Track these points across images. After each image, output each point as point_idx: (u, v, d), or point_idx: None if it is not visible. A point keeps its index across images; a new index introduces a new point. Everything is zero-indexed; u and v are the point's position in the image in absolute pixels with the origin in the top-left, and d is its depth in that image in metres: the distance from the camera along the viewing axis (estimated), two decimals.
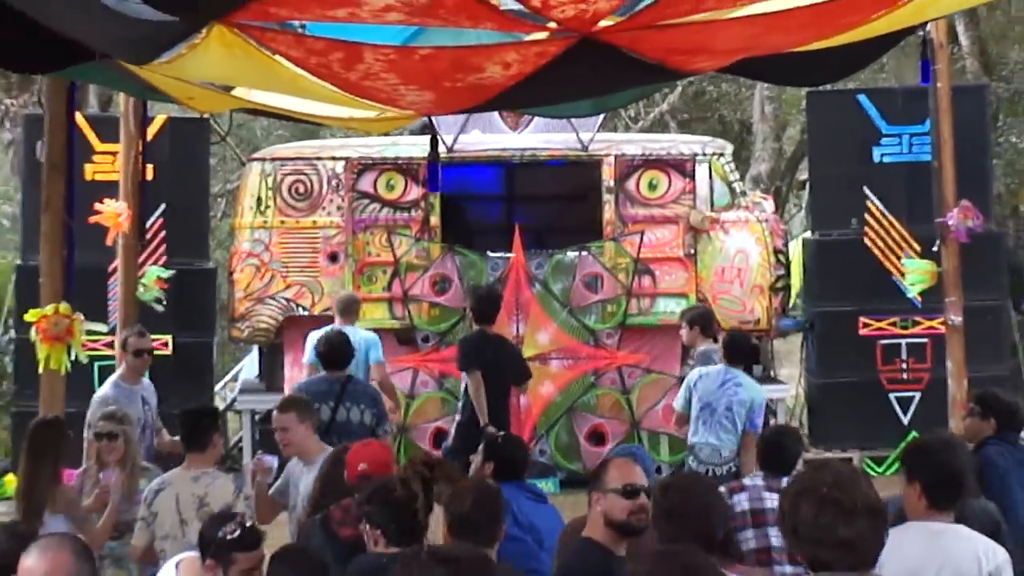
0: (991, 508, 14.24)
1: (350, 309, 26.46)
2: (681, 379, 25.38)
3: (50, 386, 20.01)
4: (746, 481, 17.05)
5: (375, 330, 26.70)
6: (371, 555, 11.79)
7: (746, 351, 24.99)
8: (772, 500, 15.46)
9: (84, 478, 17.14)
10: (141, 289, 25.90)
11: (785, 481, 15.19)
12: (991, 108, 27.83)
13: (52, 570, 9.30)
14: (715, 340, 25.60)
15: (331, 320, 26.50)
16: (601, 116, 27.48)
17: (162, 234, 26.55)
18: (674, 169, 29.16)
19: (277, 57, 13.78)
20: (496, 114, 22.49)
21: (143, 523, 16.07)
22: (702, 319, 26.09)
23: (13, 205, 30.69)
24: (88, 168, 25.53)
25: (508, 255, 27.94)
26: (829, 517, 8.39)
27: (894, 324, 26.38)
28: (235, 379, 30.32)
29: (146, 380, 23.18)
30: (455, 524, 12.38)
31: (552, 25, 13.07)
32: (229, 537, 12.38)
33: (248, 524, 12.66)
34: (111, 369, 23.83)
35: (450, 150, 26.96)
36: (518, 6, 12.48)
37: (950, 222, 24.51)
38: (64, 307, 19.77)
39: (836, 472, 8.79)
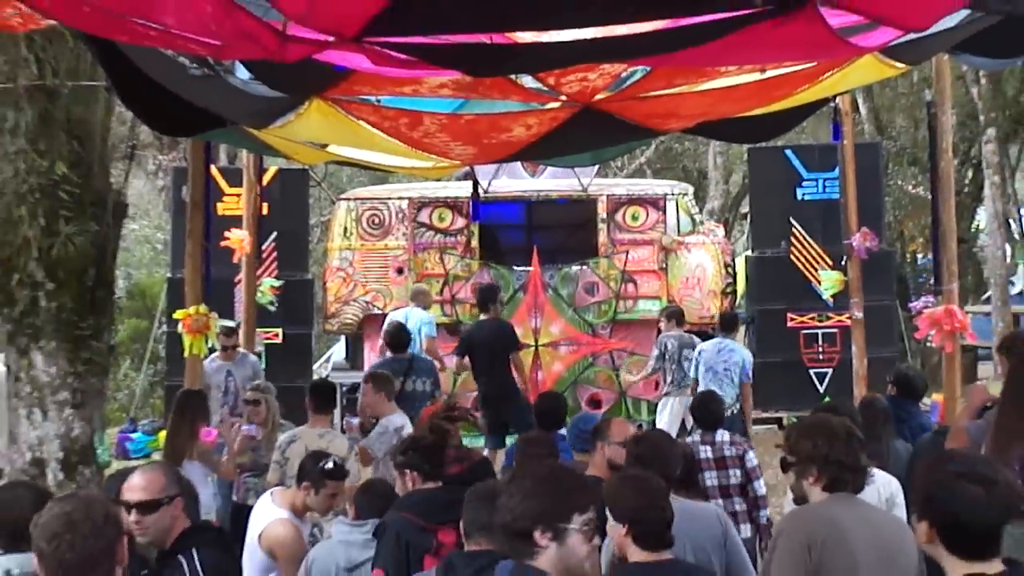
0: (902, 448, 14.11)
1: (418, 296, 26.87)
2: (655, 360, 25.86)
3: (192, 366, 20.20)
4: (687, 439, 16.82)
5: None
6: (421, 490, 11.57)
7: (734, 324, 26.14)
8: (705, 451, 15.72)
9: (225, 428, 17.21)
10: (259, 295, 25.99)
11: (717, 434, 16.03)
12: (883, 160, 28.07)
13: (147, 485, 9.79)
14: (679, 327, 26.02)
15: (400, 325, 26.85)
16: (597, 165, 27.63)
17: (274, 254, 26.76)
18: (651, 205, 29.30)
19: (360, 122, 13.94)
20: (519, 164, 22.69)
21: (276, 465, 16.35)
22: (676, 315, 26.20)
23: (165, 233, 30.52)
24: (219, 206, 25.72)
25: (528, 268, 28.07)
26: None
27: (813, 318, 26.69)
28: (328, 361, 30.41)
29: (251, 357, 23.67)
30: None
31: (562, 98, 13.18)
32: (325, 467, 12.63)
33: (338, 462, 12.78)
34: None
35: (486, 191, 27.07)
36: (537, 84, 12.60)
37: (853, 243, 24.56)
38: (202, 308, 19.86)
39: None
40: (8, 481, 9.31)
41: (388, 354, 23.46)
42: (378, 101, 13.07)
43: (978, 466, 6.80)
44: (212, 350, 22.90)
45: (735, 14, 8.93)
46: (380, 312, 27.94)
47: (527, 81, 12.49)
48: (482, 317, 22.71)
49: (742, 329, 28.57)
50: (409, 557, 10.60)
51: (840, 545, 7.96)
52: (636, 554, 7.52)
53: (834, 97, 17.30)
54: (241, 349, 23.14)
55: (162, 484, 9.86)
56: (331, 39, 9.15)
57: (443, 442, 12.86)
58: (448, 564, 8.98)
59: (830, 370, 25.96)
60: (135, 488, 9.88)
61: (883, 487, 10.33)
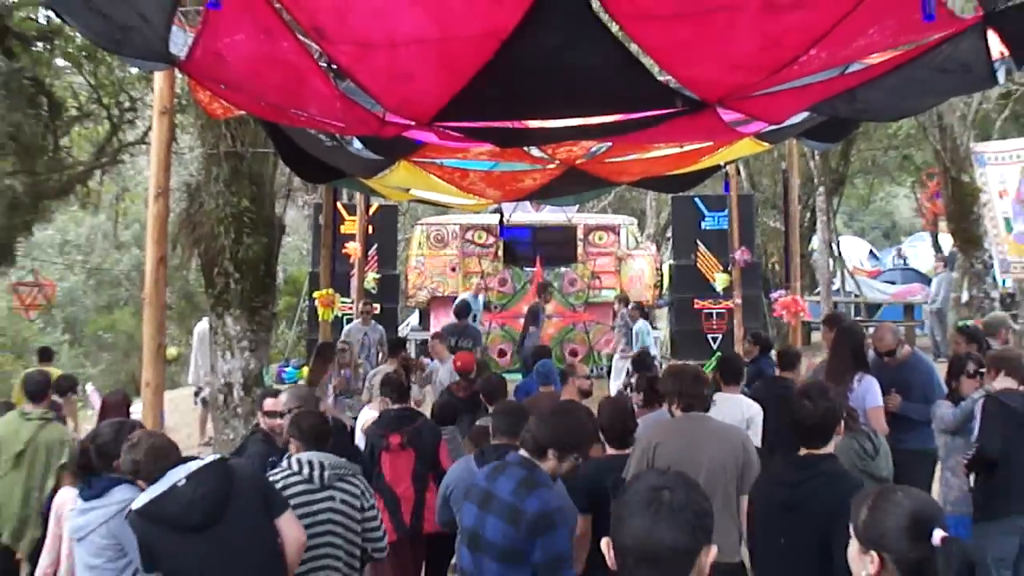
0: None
1: (476, 290, 27.10)
2: (611, 327, 25.86)
3: (323, 327, 20.58)
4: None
5: None
6: (387, 410, 11.69)
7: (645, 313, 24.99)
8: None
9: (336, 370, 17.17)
10: (366, 283, 25.91)
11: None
12: (755, 205, 28.36)
13: (288, 400, 9.70)
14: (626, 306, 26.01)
15: (453, 298, 26.83)
16: (577, 205, 27.66)
17: (375, 257, 26.81)
18: (610, 230, 29.29)
19: (430, 175, 14.09)
20: (528, 202, 22.74)
21: (367, 391, 16.10)
22: (624, 299, 25.68)
23: (307, 243, 30.49)
24: (342, 227, 25.73)
25: (533, 269, 27.98)
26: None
27: (710, 303, 26.68)
28: (407, 325, 30.42)
29: (379, 326, 23.15)
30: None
31: (556, 162, 13.31)
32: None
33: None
34: (350, 319, 24.06)
35: (508, 220, 27.09)
36: (540, 153, 12.75)
37: (736, 257, 24.40)
38: (330, 291, 19.95)
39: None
40: (305, 410, 9.17)
41: (452, 320, 23.19)
42: (441, 162, 13.18)
43: (810, 391, 6.93)
44: (337, 318, 23.21)
45: (664, 111, 8.96)
46: (440, 295, 28.08)
47: (534, 151, 12.65)
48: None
49: (665, 311, 28.72)
50: (372, 452, 10.89)
51: (666, 448, 7.96)
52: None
53: (725, 164, 17.38)
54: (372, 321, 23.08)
55: (282, 402, 9.88)
56: (412, 123, 9.20)
57: (405, 380, 13.02)
58: (481, 452, 9.00)
59: (720, 335, 26.13)
60: (270, 403, 10.09)
61: (745, 408, 10.25)
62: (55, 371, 18.05)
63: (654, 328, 24.80)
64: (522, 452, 6.87)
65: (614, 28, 7.29)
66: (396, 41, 7.29)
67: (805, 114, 10.33)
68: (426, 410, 13.29)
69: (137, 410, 9.66)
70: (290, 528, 7.00)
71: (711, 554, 3.45)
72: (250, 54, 7.76)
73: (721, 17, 7.34)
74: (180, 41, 7.34)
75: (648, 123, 9.54)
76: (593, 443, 7.71)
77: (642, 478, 3.72)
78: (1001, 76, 8.15)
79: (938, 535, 3.86)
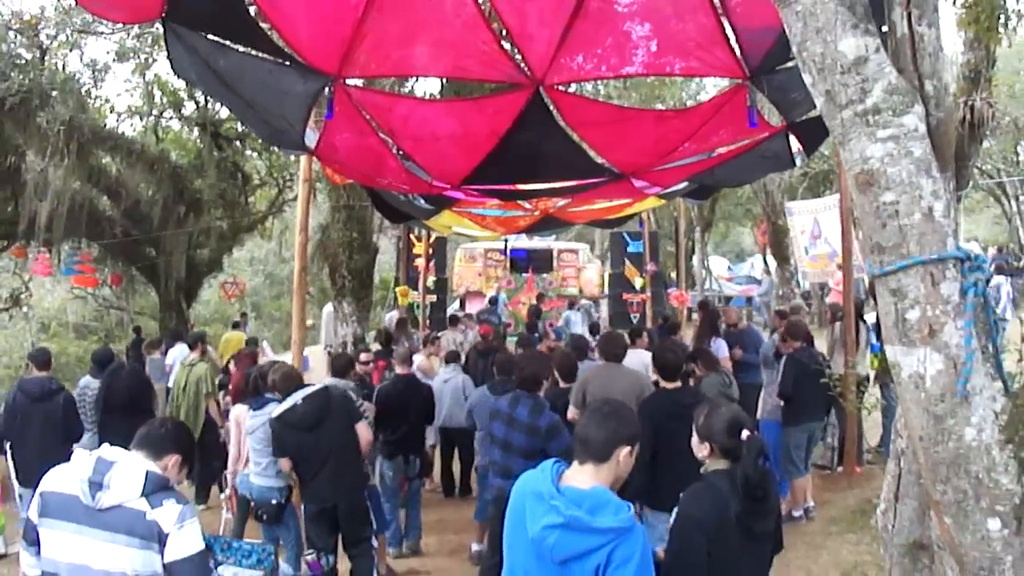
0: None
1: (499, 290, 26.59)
2: (575, 309, 25.68)
3: (401, 309, 20.05)
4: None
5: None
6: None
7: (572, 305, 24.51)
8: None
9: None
10: (429, 283, 25.83)
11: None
12: (658, 237, 28.16)
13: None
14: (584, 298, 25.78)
15: (480, 293, 26.84)
16: (553, 236, 27.55)
17: (433, 267, 26.38)
18: (573, 252, 29.07)
19: (463, 218, 14.04)
20: (524, 234, 22.46)
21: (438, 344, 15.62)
22: (580, 296, 25.84)
23: (392, 258, 30.12)
24: (413, 249, 25.50)
25: (528, 274, 27.77)
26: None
27: (631, 296, 26.26)
28: (453, 307, 30.12)
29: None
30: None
31: (537, 211, 13.29)
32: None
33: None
34: (417, 305, 23.74)
35: (512, 245, 27.06)
36: (528, 205, 12.71)
37: (647, 268, 24.35)
38: (405, 287, 19.89)
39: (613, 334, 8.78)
40: (341, 354, 9.22)
41: (487, 305, 22.97)
42: (469, 210, 13.13)
43: (670, 347, 7.01)
44: (409, 303, 23.07)
45: (599, 179, 8.96)
46: (472, 291, 27.76)
47: (524, 204, 12.62)
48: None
49: (606, 301, 28.28)
50: None
51: (594, 384, 7.84)
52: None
53: (640, 212, 17.30)
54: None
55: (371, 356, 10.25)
56: (448, 186, 9.19)
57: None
58: (491, 384, 8.98)
59: (638, 314, 25.67)
60: (364, 356, 10.70)
61: (644, 356, 10.06)
62: (242, 336, 18.10)
63: (598, 311, 24.45)
64: (525, 391, 7.08)
65: (568, 130, 7.30)
66: (437, 136, 7.34)
67: (685, 183, 10.35)
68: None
69: (289, 357, 9.63)
70: (363, 431, 7.10)
71: (624, 452, 3.44)
72: (352, 145, 7.79)
73: (630, 124, 7.38)
74: (311, 138, 7.37)
75: (590, 187, 9.57)
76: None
77: (599, 401, 3.76)
78: (798, 161, 8.24)
79: (745, 433, 3.86)
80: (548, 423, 6.73)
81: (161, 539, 3.43)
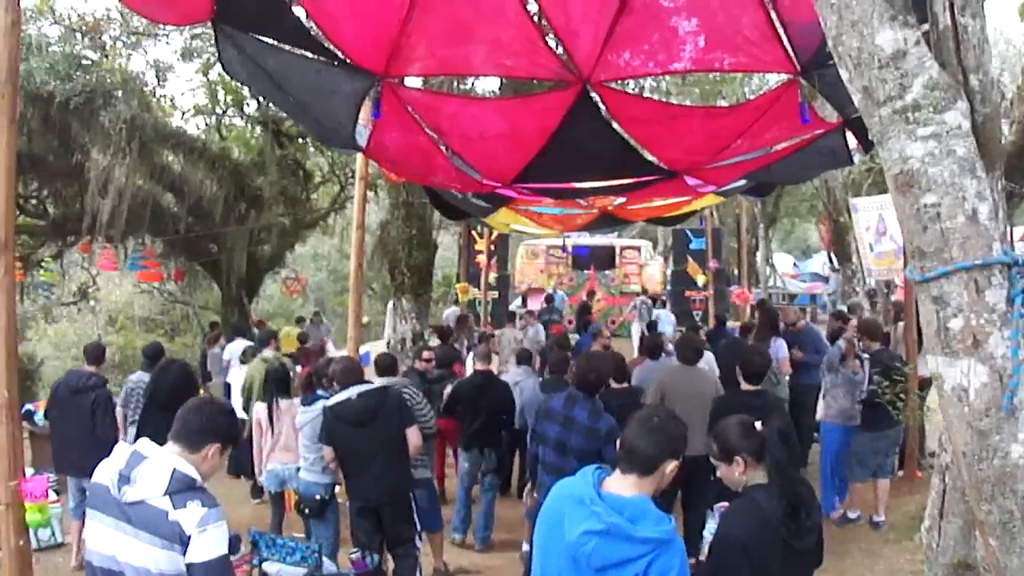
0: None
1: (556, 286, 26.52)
2: (632, 307, 25.26)
3: (462, 305, 19.95)
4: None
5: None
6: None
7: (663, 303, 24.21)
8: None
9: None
10: (490, 280, 25.82)
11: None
12: (721, 234, 27.80)
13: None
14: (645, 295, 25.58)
15: (541, 290, 26.67)
16: (616, 232, 27.51)
17: (495, 263, 26.34)
18: (635, 249, 29.00)
19: (520, 215, 14.01)
20: (587, 232, 22.23)
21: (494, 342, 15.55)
22: (644, 291, 25.78)
23: (453, 255, 30.13)
24: (475, 246, 25.57)
25: (590, 271, 27.73)
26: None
27: (694, 293, 26.30)
28: (515, 304, 29.89)
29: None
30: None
31: (595, 208, 13.22)
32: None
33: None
34: (480, 301, 23.66)
35: (574, 242, 27.05)
36: (585, 203, 12.66)
37: (711, 265, 24.24)
38: (465, 284, 19.89)
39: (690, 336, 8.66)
40: (384, 352, 9.19)
41: (544, 304, 22.67)
42: (526, 208, 13.10)
43: (757, 350, 7.02)
44: (470, 300, 23.03)
45: (651, 178, 8.84)
46: (534, 287, 27.59)
47: (580, 201, 12.51)
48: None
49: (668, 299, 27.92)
50: None
51: (672, 386, 7.93)
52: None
53: (700, 209, 17.12)
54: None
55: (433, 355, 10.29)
56: (499, 185, 9.12)
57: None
58: (542, 381, 8.91)
59: (701, 311, 25.42)
60: (426, 354, 10.78)
61: (708, 357, 9.95)
62: (297, 330, 18.32)
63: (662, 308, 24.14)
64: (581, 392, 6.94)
65: (616, 126, 7.19)
66: (486, 134, 7.27)
67: (742, 181, 10.17)
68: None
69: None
70: (413, 436, 7.07)
71: (670, 466, 3.34)
72: (401, 144, 7.75)
73: (680, 121, 7.26)
74: (362, 136, 7.31)
75: (643, 185, 9.44)
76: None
77: (648, 408, 3.65)
78: (856, 158, 8.01)
79: (758, 425, 3.75)
80: (608, 426, 6.63)
81: (183, 540, 3.40)
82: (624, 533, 3.10)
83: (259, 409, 8.45)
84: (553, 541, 3.33)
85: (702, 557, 3.99)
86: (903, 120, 2.77)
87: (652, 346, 10.50)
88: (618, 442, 3.46)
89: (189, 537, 3.40)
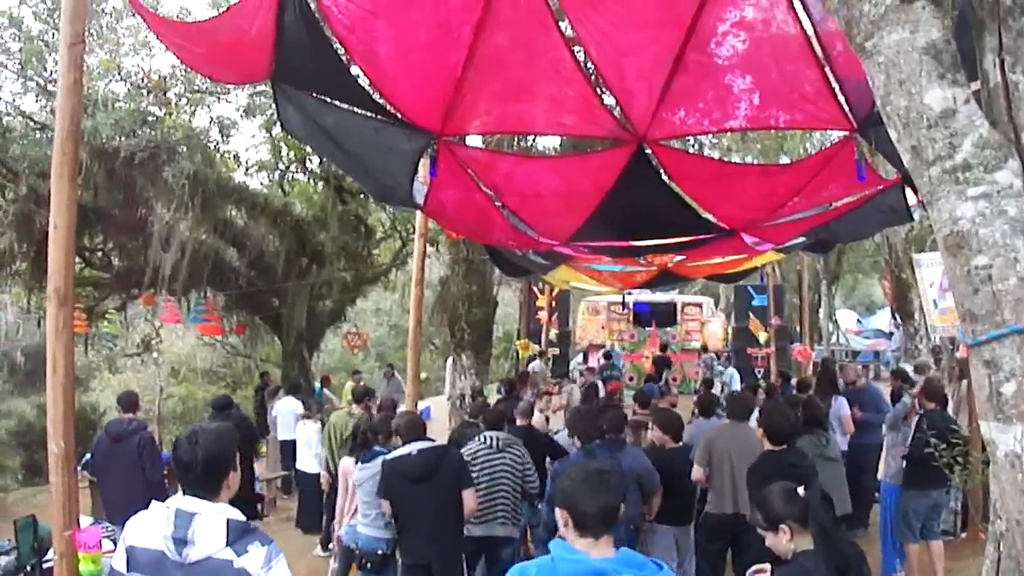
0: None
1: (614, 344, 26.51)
2: (697, 365, 25.37)
3: (522, 364, 19.87)
4: None
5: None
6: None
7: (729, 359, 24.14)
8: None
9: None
10: (551, 336, 25.81)
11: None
12: (784, 291, 27.49)
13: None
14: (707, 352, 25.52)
15: (602, 346, 26.65)
16: (677, 288, 27.47)
17: (556, 320, 26.23)
18: (696, 305, 28.93)
19: (579, 273, 14.07)
20: (648, 289, 22.11)
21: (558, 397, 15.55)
22: (704, 347, 25.97)
23: (515, 311, 29.99)
24: (537, 302, 25.50)
25: (651, 328, 27.63)
26: None
27: (756, 350, 25.89)
28: (575, 360, 29.53)
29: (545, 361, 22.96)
30: None
31: (655, 266, 13.17)
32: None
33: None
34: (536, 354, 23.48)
35: (634, 299, 27.00)
36: (645, 261, 12.59)
37: (772, 323, 24.05)
38: (526, 342, 19.91)
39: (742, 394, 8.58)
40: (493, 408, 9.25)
41: (602, 361, 22.54)
42: (586, 266, 13.14)
43: (784, 408, 6.95)
44: (531, 358, 22.84)
45: (708, 236, 8.81)
46: (595, 343, 27.49)
47: (639, 259, 12.46)
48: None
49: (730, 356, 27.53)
50: None
51: (719, 443, 7.83)
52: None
53: (761, 266, 17.06)
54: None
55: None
56: (555, 243, 9.15)
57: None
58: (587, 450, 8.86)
59: (763, 369, 24.98)
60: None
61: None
62: (355, 384, 18.32)
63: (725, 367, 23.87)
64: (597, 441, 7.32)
65: (672, 185, 7.19)
66: (541, 193, 7.31)
67: (801, 239, 10.12)
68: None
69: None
70: (468, 498, 7.02)
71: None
72: (458, 202, 7.81)
73: (735, 180, 7.28)
74: (420, 194, 7.39)
75: (700, 243, 9.42)
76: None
77: (584, 469, 3.44)
78: (916, 215, 7.96)
79: (800, 490, 3.70)
80: (628, 468, 6.87)
81: None
82: None
83: (347, 464, 8.52)
84: None
85: None
86: (953, 180, 2.74)
87: (705, 404, 10.44)
88: (571, 510, 3.24)
89: None
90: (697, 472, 7.90)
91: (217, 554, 3.44)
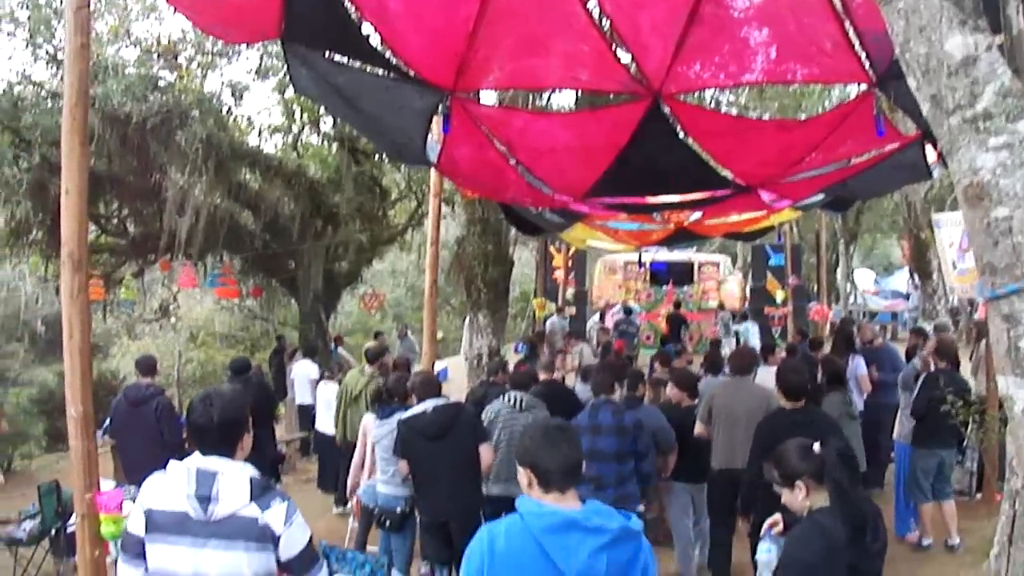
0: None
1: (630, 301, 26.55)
2: (714, 324, 25.37)
3: (539, 322, 20.00)
4: None
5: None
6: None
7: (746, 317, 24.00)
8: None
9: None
10: (568, 295, 25.82)
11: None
12: (801, 250, 27.37)
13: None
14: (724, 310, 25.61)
15: (617, 302, 26.64)
16: (694, 247, 27.50)
17: (572, 279, 26.26)
18: (713, 264, 28.99)
19: (596, 231, 14.01)
20: (665, 247, 22.01)
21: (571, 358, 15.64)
22: (721, 305, 26.02)
23: (531, 270, 29.94)
24: (553, 261, 25.54)
25: (667, 287, 27.69)
26: None
27: (773, 310, 25.72)
28: (593, 319, 29.49)
29: (564, 318, 23.01)
30: None
31: (672, 224, 13.12)
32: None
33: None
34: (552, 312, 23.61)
35: (652, 258, 27.03)
36: (660, 218, 12.63)
37: (790, 282, 24.00)
38: (543, 300, 19.84)
39: (744, 349, 8.57)
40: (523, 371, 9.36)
41: (620, 315, 22.82)
42: (602, 223, 13.09)
43: (799, 364, 6.96)
44: (547, 316, 22.86)
45: (725, 192, 8.75)
46: (612, 303, 27.02)
47: (656, 216, 12.45)
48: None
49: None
50: None
51: (719, 398, 7.88)
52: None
53: (779, 224, 16.97)
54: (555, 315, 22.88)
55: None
56: (570, 199, 9.11)
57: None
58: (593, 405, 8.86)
59: (780, 328, 24.86)
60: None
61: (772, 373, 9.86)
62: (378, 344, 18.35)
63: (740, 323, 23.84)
64: (602, 397, 7.31)
65: (688, 140, 7.13)
66: (555, 148, 7.25)
67: (819, 196, 10.04)
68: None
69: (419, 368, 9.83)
70: (485, 452, 7.09)
71: None
72: (472, 159, 7.76)
73: (752, 134, 7.19)
74: (434, 151, 7.35)
75: (717, 200, 9.36)
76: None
77: (543, 425, 3.42)
78: (936, 172, 7.85)
79: (816, 446, 3.69)
80: (633, 420, 6.88)
81: (274, 539, 3.54)
82: (629, 530, 3.08)
83: (367, 421, 8.57)
84: None
85: None
86: (973, 129, 2.68)
87: (712, 361, 10.53)
88: (534, 467, 3.19)
89: (279, 536, 3.55)
90: (699, 428, 7.99)
91: (242, 510, 3.50)
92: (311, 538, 3.69)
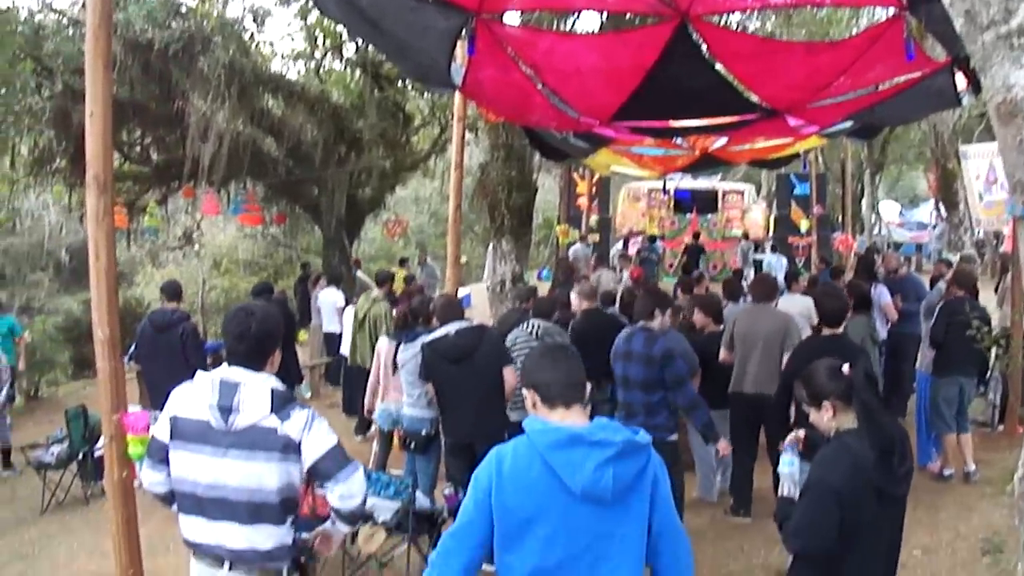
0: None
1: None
2: (735, 252, 25.43)
3: (561, 249, 19.73)
4: None
5: None
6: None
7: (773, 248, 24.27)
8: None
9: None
10: (591, 222, 25.78)
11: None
12: (826, 179, 27.30)
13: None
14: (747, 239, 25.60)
15: (642, 232, 26.76)
16: (719, 175, 27.46)
17: (596, 206, 26.13)
18: (738, 193, 28.96)
19: (622, 157, 13.98)
20: (689, 173, 21.93)
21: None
22: (746, 234, 26.12)
23: (554, 197, 29.90)
24: (576, 188, 25.32)
25: (691, 215, 27.71)
26: None
27: (797, 239, 25.73)
28: (616, 246, 29.53)
29: (587, 245, 23.14)
30: None
31: (696, 150, 13.05)
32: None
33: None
34: (575, 239, 23.64)
35: (676, 185, 26.88)
36: (685, 144, 12.55)
37: (814, 210, 23.90)
38: (566, 227, 19.89)
39: (764, 276, 8.61)
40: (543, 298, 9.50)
41: (645, 243, 23.12)
42: (627, 149, 12.99)
43: (836, 290, 6.95)
44: (570, 243, 22.86)
45: (751, 117, 8.68)
46: (636, 231, 27.34)
47: (680, 142, 12.36)
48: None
49: (769, 244, 27.21)
50: None
51: (740, 324, 8.05)
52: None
53: (804, 151, 16.73)
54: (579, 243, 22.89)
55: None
56: (596, 122, 9.06)
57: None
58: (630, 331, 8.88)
59: (804, 258, 24.76)
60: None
61: (800, 301, 9.84)
62: (403, 272, 18.39)
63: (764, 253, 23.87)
64: (640, 323, 7.08)
65: (715, 63, 7.08)
66: (581, 70, 7.19)
67: (847, 123, 9.95)
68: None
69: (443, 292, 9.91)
70: (509, 375, 7.12)
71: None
72: (497, 82, 7.70)
73: (779, 56, 7.09)
74: (458, 74, 7.29)
75: (743, 124, 9.29)
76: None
77: (539, 349, 3.45)
78: (965, 100, 7.75)
79: (845, 367, 3.70)
80: (662, 350, 6.73)
81: (296, 448, 3.60)
82: (635, 443, 3.03)
83: (385, 346, 8.62)
84: (547, 508, 3.01)
85: (783, 492, 3.94)
86: (1007, 46, 2.66)
87: (731, 289, 10.63)
88: (536, 386, 3.19)
89: (300, 443, 3.60)
90: (724, 354, 8.14)
91: (262, 421, 3.56)
92: (339, 442, 3.72)
